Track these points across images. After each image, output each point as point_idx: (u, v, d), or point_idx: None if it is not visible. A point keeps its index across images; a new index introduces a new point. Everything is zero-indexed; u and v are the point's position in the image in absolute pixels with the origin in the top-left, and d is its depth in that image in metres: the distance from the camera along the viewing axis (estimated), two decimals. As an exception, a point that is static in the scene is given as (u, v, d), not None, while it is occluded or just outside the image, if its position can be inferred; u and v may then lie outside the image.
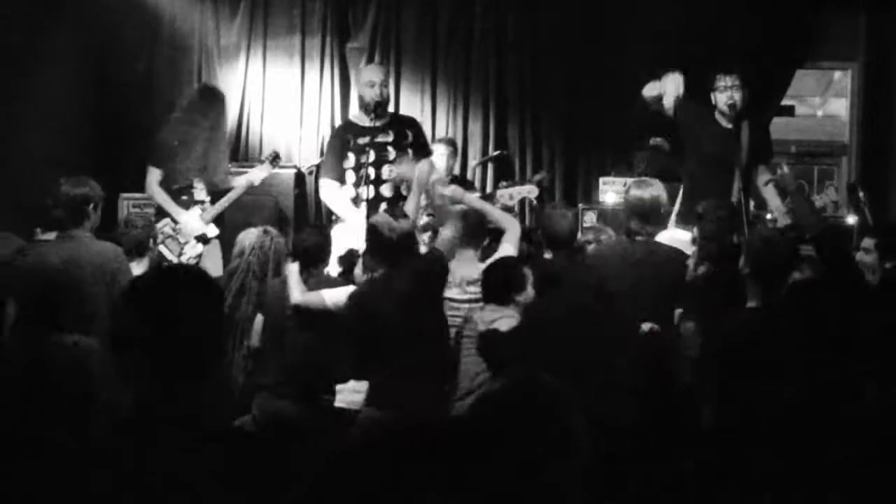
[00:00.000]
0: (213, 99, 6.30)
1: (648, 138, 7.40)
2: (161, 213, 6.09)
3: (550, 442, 1.96)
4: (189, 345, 2.03)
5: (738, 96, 5.70)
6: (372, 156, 5.92)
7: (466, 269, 4.71)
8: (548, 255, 4.90)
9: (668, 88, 5.78)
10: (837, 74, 8.91)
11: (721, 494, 2.72)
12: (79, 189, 4.62)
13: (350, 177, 5.98)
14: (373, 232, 4.33)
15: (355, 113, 6.25)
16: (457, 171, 7.42)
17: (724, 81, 5.73)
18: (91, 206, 4.63)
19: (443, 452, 1.77)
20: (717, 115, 5.79)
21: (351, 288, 4.61)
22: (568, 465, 1.99)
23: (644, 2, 6.55)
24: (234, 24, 7.97)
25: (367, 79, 6.01)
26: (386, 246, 4.27)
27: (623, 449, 2.79)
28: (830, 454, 3.04)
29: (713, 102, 5.81)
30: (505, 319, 4.18)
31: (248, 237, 4.88)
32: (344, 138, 6.04)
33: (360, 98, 6.03)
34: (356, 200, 5.92)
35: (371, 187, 5.96)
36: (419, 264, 4.33)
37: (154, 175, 6.09)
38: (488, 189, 7.86)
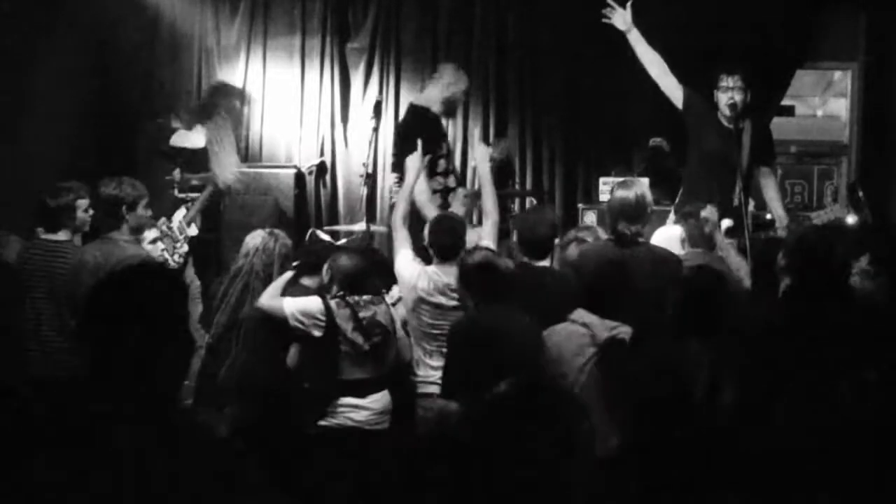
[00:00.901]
0: (226, 93, 6.45)
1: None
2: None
3: (553, 441, 1.97)
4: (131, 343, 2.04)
5: (739, 97, 5.70)
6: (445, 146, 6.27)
7: (448, 277, 4.70)
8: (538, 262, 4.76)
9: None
10: (837, 74, 8.91)
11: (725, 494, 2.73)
12: (110, 190, 4.63)
13: (441, 166, 6.14)
14: (486, 270, 4.21)
15: (426, 103, 6.27)
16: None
17: (726, 82, 5.73)
18: (124, 207, 4.62)
19: (450, 453, 1.78)
20: (719, 115, 5.80)
21: (315, 299, 4.52)
22: (569, 464, 2.00)
23: (644, 1, 6.53)
24: (234, 24, 7.97)
25: (466, 88, 6.40)
26: (502, 283, 4.20)
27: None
28: (831, 453, 3.05)
29: (715, 101, 5.82)
30: (623, 330, 4.08)
31: (254, 239, 4.89)
32: (439, 127, 6.20)
33: (453, 98, 6.24)
34: (445, 191, 6.06)
35: (452, 177, 6.20)
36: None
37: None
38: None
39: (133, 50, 7.75)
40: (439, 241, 4.77)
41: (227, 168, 6.46)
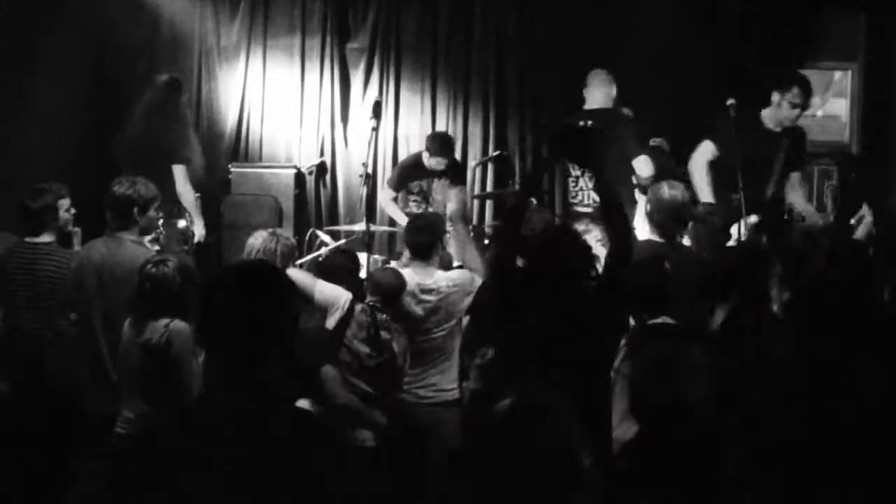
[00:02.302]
0: (177, 89, 6.38)
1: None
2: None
3: (550, 445, 1.99)
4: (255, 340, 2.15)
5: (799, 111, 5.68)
6: None
7: (422, 277, 4.68)
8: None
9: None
10: (837, 74, 8.91)
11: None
12: (123, 190, 4.59)
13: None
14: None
15: (601, 104, 6.30)
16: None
17: (795, 97, 5.65)
18: (135, 209, 4.59)
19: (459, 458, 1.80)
20: (763, 121, 5.71)
21: (346, 294, 4.48)
22: (570, 467, 2.01)
23: (644, 1, 6.56)
24: (234, 24, 7.98)
25: None
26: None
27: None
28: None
29: (776, 103, 5.72)
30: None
31: (256, 239, 4.89)
32: None
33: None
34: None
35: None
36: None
37: (184, 172, 6.06)
38: (489, 188, 7.89)
39: (133, 50, 7.74)
40: (411, 240, 4.79)
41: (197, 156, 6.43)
